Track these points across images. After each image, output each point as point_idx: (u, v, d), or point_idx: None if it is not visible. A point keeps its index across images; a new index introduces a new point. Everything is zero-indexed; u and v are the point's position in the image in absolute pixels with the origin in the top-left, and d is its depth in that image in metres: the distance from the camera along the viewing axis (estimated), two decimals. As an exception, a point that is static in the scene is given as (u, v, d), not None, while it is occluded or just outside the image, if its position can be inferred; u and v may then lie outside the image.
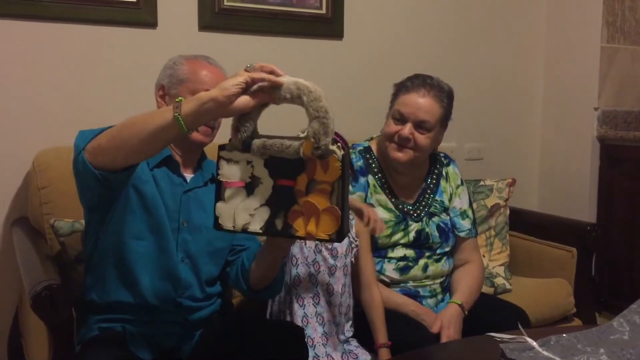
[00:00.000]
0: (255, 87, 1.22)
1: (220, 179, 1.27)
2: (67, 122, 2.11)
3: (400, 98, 1.87)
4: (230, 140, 1.26)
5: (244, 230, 1.27)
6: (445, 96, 1.87)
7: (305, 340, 1.56)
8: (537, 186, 3.22)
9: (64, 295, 1.40)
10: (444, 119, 1.89)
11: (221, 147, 1.27)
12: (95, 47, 2.15)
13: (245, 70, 1.22)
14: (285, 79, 1.21)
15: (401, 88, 1.89)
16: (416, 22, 2.78)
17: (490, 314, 1.85)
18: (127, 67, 2.18)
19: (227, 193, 1.26)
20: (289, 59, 2.51)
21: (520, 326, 1.39)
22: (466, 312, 1.83)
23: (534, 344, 1.31)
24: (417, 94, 1.84)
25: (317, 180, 1.19)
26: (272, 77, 1.20)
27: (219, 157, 1.27)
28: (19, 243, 1.84)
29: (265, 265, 1.53)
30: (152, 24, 2.22)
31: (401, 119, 1.85)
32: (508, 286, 2.31)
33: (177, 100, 1.22)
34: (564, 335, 1.35)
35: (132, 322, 1.54)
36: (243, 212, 1.25)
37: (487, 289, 2.22)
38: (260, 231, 1.26)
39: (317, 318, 1.66)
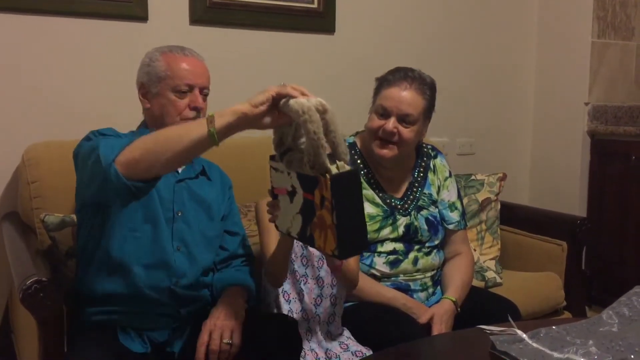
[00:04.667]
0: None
1: (273, 185, 1.36)
2: (58, 116, 2.11)
3: (382, 92, 1.86)
4: None
5: (288, 233, 1.36)
6: (428, 88, 1.87)
7: (298, 332, 1.57)
8: (528, 180, 3.24)
9: (54, 289, 1.39)
10: (427, 111, 1.89)
11: (271, 157, 1.34)
12: (86, 40, 2.14)
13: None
14: (295, 99, 1.21)
15: (383, 82, 1.88)
16: (408, 17, 2.79)
17: (481, 307, 1.86)
18: (118, 61, 2.17)
19: (279, 198, 1.35)
20: (280, 54, 2.51)
21: (510, 319, 1.40)
22: (459, 309, 1.84)
23: (524, 336, 1.32)
24: (399, 87, 1.83)
25: (325, 196, 1.21)
26: (292, 91, 1.21)
27: (270, 166, 1.34)
28: (9, 238, 1.83)
29: None
30: (142, 17, 2.21)
31: (384, 114, 1.85)
32: (499, 280, 2.32)
33: (209, 115, 1.25)
34: (554, 327, 1.36)
35: (123, 315, 1.54)
36: (286, 217, 1.34)
37: (478, 283, 2.23)
38: (296, 237, 1.33)
39: (302, 314, 1.66)
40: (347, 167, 1.21)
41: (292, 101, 1.21)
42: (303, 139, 1.26)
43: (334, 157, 1.21)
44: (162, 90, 1.61)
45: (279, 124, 1.25)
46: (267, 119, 1.23)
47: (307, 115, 1.17)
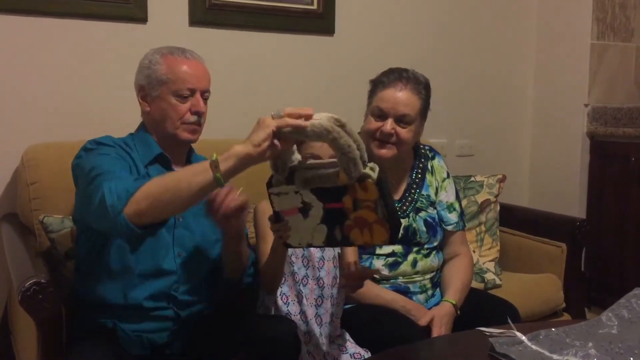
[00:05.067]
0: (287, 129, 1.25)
1: (277, 210, 1.36)
2: (57, 117, 2.11)
3: (378, 94, 1.87)
4: (272, 176, 1.34)
5: (309, 245, 1.40)
6: (423, 87, 1.88)
7: (297, 334, 1.57)
8: (528, 182, 3.24)
9: (53, 291, 1.39)
10: (424, 110, 1.89)
11: (268, 185, 1.34)
12: (85, 42, 2.14)
13: (272, 117, 1.25)
14: (309, 122, 1.24)
15: (378, 84, 1.89)
16: (407, 18, 2.79)
17: (480, 309, 1.86)
18: (117, 62, 2.17)
19: (287, 219, 1.37)
20: (280, 55, 2.51)
21: (509, 321, 1.40)
22: (459, 312, 1.84)
23: (523, 338, 1.32)
24: (394, 88, 1.84)
25: (360, 199, 1.27)
26: (295, 122, 1.23)
27: (269, 194, 1.34)
28: (8, 239, 1.82)
29: (228, 258, 1.61)
30: (142, 19, 2.21)
31: (381, 115, 1.85)
32: (498, 281, 2.32)
33: (212, 159, 1.26)
34: (553, 329, 1.36)
35: (123, 318, 1.53)
36: (305, 232, 1.36)
37: (477, 284, 2.23)
38: (323, 245, 1.37)
39: (300, 316, 1.66)
40: (376, 166, 1.28)
41: (311, 125, 1.22)
42: (294, 156, 1.31)
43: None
44: (162, 94, 1.59)
45: (280, 152, 1.26)
46: (269, 152, 1.25)
47: (334, 133, 1.21)
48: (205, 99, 1.63)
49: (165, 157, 1.62)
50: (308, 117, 1.22)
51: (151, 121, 1.64)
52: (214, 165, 1.25)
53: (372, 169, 1.27)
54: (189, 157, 1.70)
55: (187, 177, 1.30)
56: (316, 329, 1.66)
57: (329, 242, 1.36)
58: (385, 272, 1.88)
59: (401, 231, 1.88)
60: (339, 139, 1.21)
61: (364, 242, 1.33)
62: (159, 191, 1.30)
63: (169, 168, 1.62)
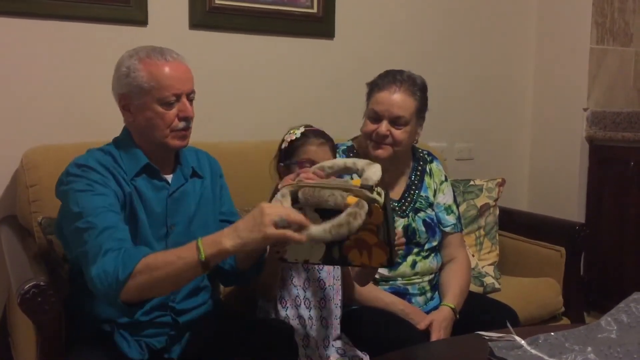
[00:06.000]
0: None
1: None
2: (57, 120, 2.11)
3: (373, 97, 1.90)
4: (274, 193, 1.37)
5: (305, 262, 1.42)
6: (418, 89, 1.89)
7: (294, 339, 1.57)
8: (527, 186, 3.24)
9: (52, 293, 1.39)
10: (419, 111, 1.91)
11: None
12: (85, 44, 2.14)
13: (275, 225, 1.26)
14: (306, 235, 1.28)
15: (373, 87, 1.92)
16: (407, 22, 2.79)
17: (479, 313, 1.86)
18: (117, 65, 2.17)
19: None
20: (280, 58, 2.51)
21: (509, 325, 1.40)
22: (457, 315, 1.84)
23: (523, 342, 1.32)
24: (388, 91, 1.86)
25: (364, 221, 1.29)
26: (296, 236, 1.26)
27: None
28: (7, 241, 1.83)
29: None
30: (142, 21, 2.21)
31: (377, 118, 1.88)
32: (497, 285, 2.32)
33: (202, 259, 1.28)
34: (552, 334, 1.36)
35: (121, 325, 1.52)
36: (302, 249, 1.38)
37: (476, 288, 2.23)
38: (320, 262, 1.40)
39: (299, 320, 1.66)
40: (382, 191, 1.33)
41: (313, 232, 1.27)
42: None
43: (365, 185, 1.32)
44: (147, 103, 1.49)
45: None
46: None
47: (330, 235, 1.26)
48: (191, 100, 1.55)
49: (152, 167, 1.56)
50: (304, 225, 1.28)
51: (137, 130, 1.55)
52: (204, 264, 1.28)
53: (379, 193, 1.30)
54: (178, 159, 1.63)
55: (177, 271, 1.30)
56: (322, 332, 1.66)
57: (326, 260, 1.38)
58: (385, 272, 1.88)
59: (400, 230, 1.90)
60: (339, 231, 1.26)
61: (362, 262, 1.36)
62: (150, 282, 1.31)
63: (157, 177, 1.56)
